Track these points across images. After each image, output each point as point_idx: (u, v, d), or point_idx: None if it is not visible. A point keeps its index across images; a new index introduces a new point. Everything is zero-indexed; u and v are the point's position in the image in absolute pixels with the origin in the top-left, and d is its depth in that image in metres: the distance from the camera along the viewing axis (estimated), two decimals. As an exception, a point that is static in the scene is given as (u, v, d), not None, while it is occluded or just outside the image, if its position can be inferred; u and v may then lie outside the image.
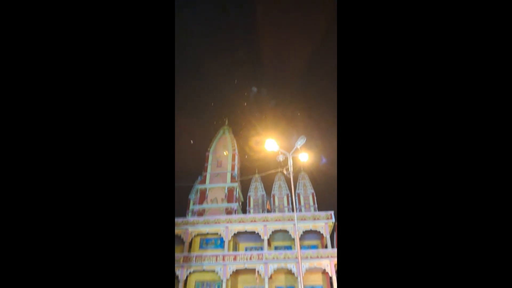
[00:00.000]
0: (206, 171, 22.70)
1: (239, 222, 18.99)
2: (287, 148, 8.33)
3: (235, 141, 24.23)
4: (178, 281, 17.26)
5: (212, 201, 21.39)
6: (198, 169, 23.94)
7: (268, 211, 21.60)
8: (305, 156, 8.31)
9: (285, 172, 8.29)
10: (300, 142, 7.67)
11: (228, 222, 18.94)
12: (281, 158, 8.29)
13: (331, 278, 16.78)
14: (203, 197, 21.69)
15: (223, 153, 23.09)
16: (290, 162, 8.00)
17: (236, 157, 23.48)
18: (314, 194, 23.64)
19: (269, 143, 7.95)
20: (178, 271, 17.38)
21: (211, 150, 23.66)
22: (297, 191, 23.49)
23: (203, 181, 22.36)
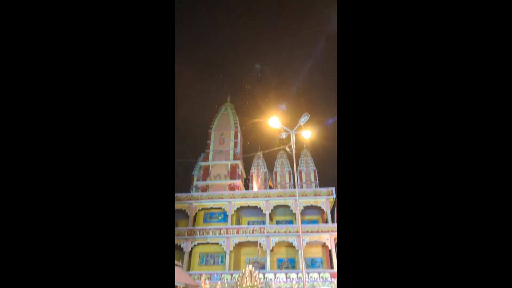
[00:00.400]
0: (209, 148, 22.88)
1: (242, 197, 19.43)
2: (290, 126, 8.33)
3: (237, 118, 24.12)
4: (183, 253, 18.03)
5: (215, 177, 21.76)
6: (201, 147, 24.12)
7: (270, 187, 22.00)
8: (308, 133, 8.32)
9: (287, 149, 8.35)
10: (304, 119, 7.65)
11: (231, 198, 19.39)
12: (284, 135, 8.31)
13: (330, 251, 17.43)
14: (206, 173, 22.04)
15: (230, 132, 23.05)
16: (293, 139, 8.02)
17: (239, 134, 23.51)
18: (316, 171, 23.90)
19: (272, 121, 7.94)
20: (183, 244, 18.10)
21: (214, 127, 23.65)
22: (299, 168, 23.74)
23: (206, 158, 22.61)
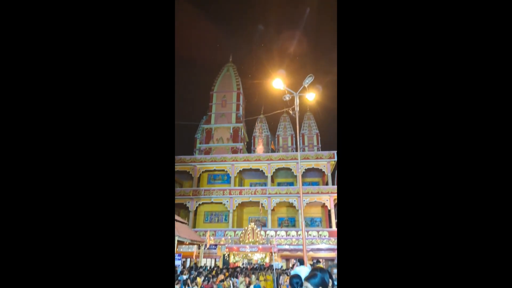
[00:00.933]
0: (211, 111, 22.69)
1: (244, 160, 19.77)
2: (294, 87, 8.09)
3: (240, 80, 23.50)
4: (189, 212, 18.90)
5: (218, 140, 21.92)
6: (204, 109, 23.92)
7: (273, 150, 22.23)
8: (312, 95, 8.12)
9: (291, 112, 8.22)
10: (308, 80, 7.40)
11: (234, 161, 19.73)
12: (287, 97, 8.12)
13: (329, 211, 18.16)
14: (209, 136, 22.16)
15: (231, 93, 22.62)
16: (297, 101, 7.85)
17: (241, 96, 23.11)
18: (319, 134, 23.92)
19: (276, 82, 7.70)
20: (188, 203, 18.89)
21: (215, 89, 23.16)
22: (301, 131, 23.74)
23: (208, 121, 22.55)
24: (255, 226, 16.25)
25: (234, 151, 21.21)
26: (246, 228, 16.19)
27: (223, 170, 20.24)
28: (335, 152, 19.21)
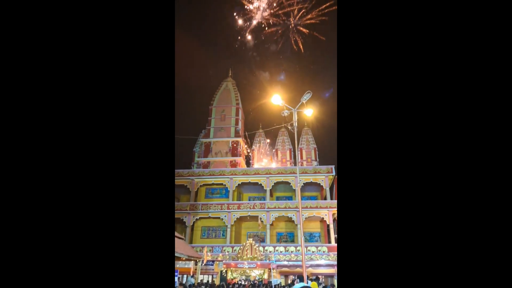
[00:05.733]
0: (210, 125, 22.82)
1: (243, 174, 19.71)
2: (292, 103, 8.24)
3: (238, 95, 23.81)
4: (186, 227, 18.62)
5: (216, 154, 21.93)
6: (202, 124, 24.03)
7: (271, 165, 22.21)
8: (310, 111, 8.26)
9: (289, 127, 8.34)
10: (306, 97, 7.56)
11: (232, 174, 19.67)
12: (286, 113, 8.26)
13: (328, 225, 17.97)
14: (207, 150, 22.18)
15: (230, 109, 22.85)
16: (295, 117, 7.98)
17: (240, 111, 23.34)
18: (316, 148, 24.02)
19: (274, 98, 7.85)
20: (185, 218, 18.65)
21: (214, 103, 23.41)
22: (299, 146, 23.84)
23: (207, 135, 22.63)
24: (254, 241, 16.01)
25: (233, 165, 21.19)
26: (244, 243, 15.93)
27: (222, 184, 20.13)
28: (333, 166, 19.24)
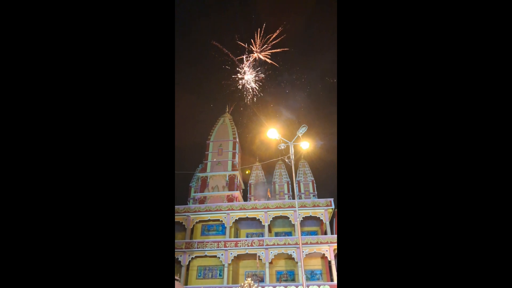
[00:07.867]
0: (207, 159, 22.81)
1: (240, 209, 19.25)
2: (288, 137, 8.39)
3: (235, 129, 24.21)
4: (181, 266, 17.67)
5: (213, 188, 21.61)
6: (199, 159, 24.05)
7: (269, 198, 21.86)
8: (306, 144, 8.38)
9: (286, 160, 8.39)
10: (302, 130, 7.73)
11: (229, 209, 19.20)
12: (282, 146, 8.36)
13: (330, 262, 17.19)
14: (204, 184, 21.89)
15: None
16: (292, 150, 8.07)
17: (237, 145, 23.53)
18: (314, 181, 23.87)
19: (270, 132, 8.00)
20: (181, 257, 17.78)
21: (212, 138, 23.68)
22: (297, 178, 23.71)
23: (204, 169, 22.51)
24: (252, 281, 15.13)
25: (230, 199, 20.78)
26: (242, 284, 15.04)
27: (218, 220, 19.54)
28: (332, 199, 18.95)
